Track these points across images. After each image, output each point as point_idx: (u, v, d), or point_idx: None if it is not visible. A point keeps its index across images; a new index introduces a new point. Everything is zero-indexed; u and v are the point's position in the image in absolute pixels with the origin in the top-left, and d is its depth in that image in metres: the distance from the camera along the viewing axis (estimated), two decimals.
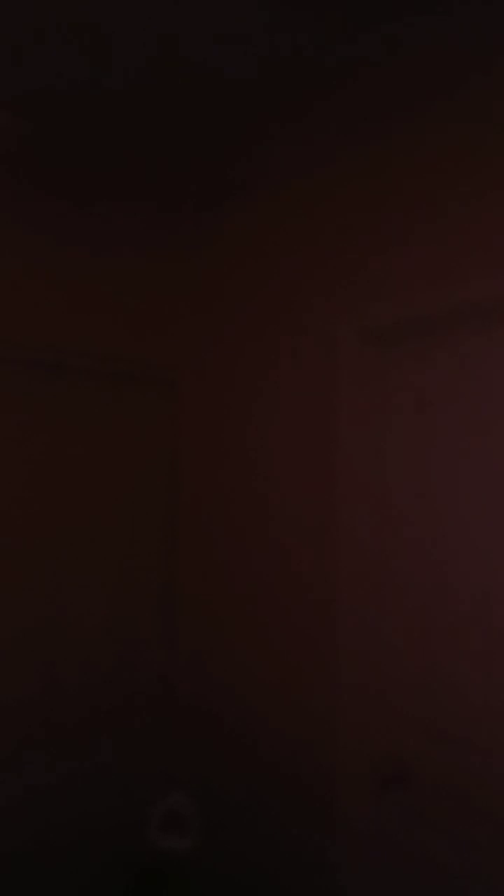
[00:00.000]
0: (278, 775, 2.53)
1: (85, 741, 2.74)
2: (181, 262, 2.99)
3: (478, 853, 2.04)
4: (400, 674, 2.26)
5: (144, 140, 2.70)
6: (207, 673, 2.83)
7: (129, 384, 2.89)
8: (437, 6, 2.08)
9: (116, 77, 2.32)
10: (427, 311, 2.15)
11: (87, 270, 2.80)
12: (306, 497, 2.48)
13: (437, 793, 2.14)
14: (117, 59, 2.23)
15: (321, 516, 2.43)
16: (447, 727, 2.13)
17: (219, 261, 2.92)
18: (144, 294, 2.91)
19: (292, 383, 2.56)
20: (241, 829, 2.65)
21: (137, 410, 2.90)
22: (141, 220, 2.92)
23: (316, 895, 2.39)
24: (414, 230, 2.22)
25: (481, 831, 2.03)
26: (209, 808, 2.80)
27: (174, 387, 2.97)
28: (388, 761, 2.22)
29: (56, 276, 2.73)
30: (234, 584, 2.74)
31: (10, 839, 2.59)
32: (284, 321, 2.61)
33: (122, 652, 2.83)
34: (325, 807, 2.38)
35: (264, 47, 2.19)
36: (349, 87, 2.40)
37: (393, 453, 2.32)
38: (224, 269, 2.89)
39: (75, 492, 2.76)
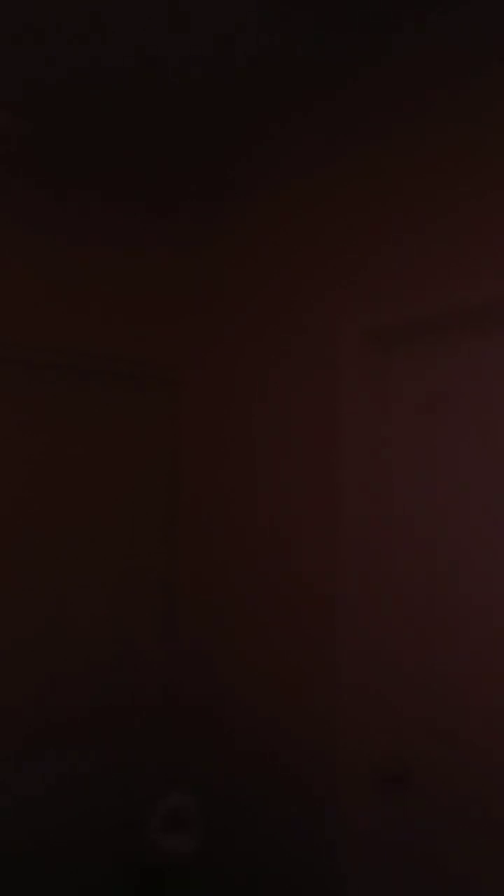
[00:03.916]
0: (279, 775, 2.53)
1: (85, 741, 2.74)
2: (181, 262, 2.99)
3: (478, 853, 2.04)
4: (400, 674, 2.26)
5: (144, 140, 2.70)
6: (208, 673, 2.84)
7: (129, 384, 2.89)
8: (437, 6, 2.08)
9: (117, 78, 2.32)
10: (428, 311, 2.15)
11: (88, 270, 2.80)
12: (307, 497, 2.48)
13: (437, 792, 2.14)
14: (117, 59, 2.23)
15: (322, 516, 2.43)
16: (447, 727, 2.13)
17: (219, 261, 2.92)
18: (145, 294, 2.91)
19: (293, 383, 2.56)
20: (242, 829, 2.66)
21: (137, 410, 2.90)
22: (141, 220, 2.92)
23: (317, 895, 2.39)
24: (414, 230, 2.22)
25: (481, 831, 2.03)
26: (210, 807, 2.80)
27: (174, 387, 2.97)
28: (388, 761, 2.22)
29: (56, 276, 2.73)
30: (234, 584, 2.74)
31: (11, 839, 2.59)
32: (285, 321, 2.61)
33: (122, 652, 2.83)
34: (325, 806, 2.38)
35: (264, 47, 2.19)
36: (349, 87, 2.41)
37: (394, 453, 2.32)
38: (224, 268, 2.89)
39: (75, 492, 2.76)
